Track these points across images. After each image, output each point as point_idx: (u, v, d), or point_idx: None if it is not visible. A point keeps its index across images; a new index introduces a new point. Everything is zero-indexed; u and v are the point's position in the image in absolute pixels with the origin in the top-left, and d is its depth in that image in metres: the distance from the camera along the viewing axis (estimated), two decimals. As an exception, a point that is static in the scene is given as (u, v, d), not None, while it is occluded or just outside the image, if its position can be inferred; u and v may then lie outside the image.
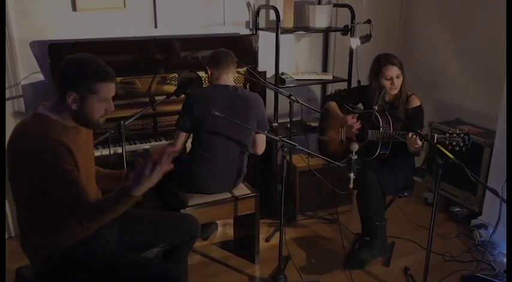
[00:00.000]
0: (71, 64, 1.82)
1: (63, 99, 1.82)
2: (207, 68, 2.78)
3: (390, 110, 2.85)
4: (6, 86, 3.00)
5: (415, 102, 2.93)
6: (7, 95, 3.02)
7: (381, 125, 2.79)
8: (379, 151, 2.85)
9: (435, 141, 2.47)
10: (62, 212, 1.85)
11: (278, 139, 2.58)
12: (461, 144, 2.43)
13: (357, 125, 2.99)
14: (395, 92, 2.89)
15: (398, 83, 2.86)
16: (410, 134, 2.62)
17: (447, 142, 2.44)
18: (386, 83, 2.85)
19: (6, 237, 3.22)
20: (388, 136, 2.76)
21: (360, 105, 3.19)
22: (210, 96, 2.69)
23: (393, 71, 2.84)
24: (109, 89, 1.87)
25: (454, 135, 2.45)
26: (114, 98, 1.94)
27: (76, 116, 1.86)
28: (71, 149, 1.80)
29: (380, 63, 2.88)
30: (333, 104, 3.16)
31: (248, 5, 3.66)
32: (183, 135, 2.74)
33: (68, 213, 1.82)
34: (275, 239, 3.27)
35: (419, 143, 2.59)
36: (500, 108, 3.12)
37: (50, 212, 1.87)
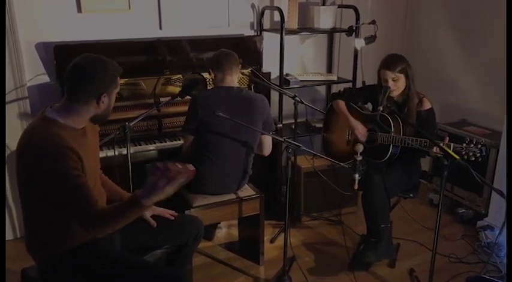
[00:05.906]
0: (94, 67, 1.80)
1: (84, 102, 1.82)
2: (210, 70, 2.79)
3: (397, 111, 2.82)
4: (12, 88, 3.02)
5: (427, 104, 2.90)
6: (13, 97, 3.04)
7: (392, 129, 2.77)
8: (391, 150, 2.82)
9: (451, 149, 2.40)
10: (69, 216, 1.85)
11: (283, 140, 2.58)
12: (478, 154, 2.40)
13: (363, 137, 2.97)
14: (395, 94, 2.87)
15: (396, 86, 2.83)
16: (435, 149, 2.49)
17: (463, 152, 2.40)
18: (386, 84, 2.82)
19: (12, 238, 3.24)
20: (404, 142, 2.71)
21: (369, 105, 3.18)
22: (215, 98, 2.69)
23: (387, 75, 2.81)
24: None
25: (472, 145, 2.41)
26: (118, 99, 1.94)
27: (99, 115, 1.88)
28: (80, 155, 1.79)
29: (380, 64, 2.88)
30: (342, 103, 3.12)
31: (252, 6, 3.66)
32: (190, 138, 2.74)
33: (76, 220, 1.81)
34: (280, 240, 3.27)
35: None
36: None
37: (57, 214, 1.87)
